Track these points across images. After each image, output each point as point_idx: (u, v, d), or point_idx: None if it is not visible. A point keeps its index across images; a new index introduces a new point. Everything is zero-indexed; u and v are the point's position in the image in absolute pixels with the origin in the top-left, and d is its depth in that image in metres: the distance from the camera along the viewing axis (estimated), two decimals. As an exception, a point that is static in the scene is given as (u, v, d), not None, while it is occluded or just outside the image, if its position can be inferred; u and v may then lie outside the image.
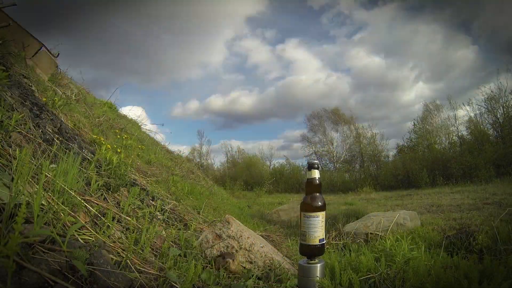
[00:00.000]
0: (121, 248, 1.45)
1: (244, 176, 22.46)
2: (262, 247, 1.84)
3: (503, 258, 1.78)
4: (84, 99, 5.41)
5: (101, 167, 2.46)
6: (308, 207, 1.39)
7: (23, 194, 1.24)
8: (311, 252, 1.38)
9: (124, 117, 8.10)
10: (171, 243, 1.86)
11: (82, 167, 2.07)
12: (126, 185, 2.47)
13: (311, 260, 1.38)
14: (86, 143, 2.97)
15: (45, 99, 3.13)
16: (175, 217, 2.65)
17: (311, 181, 1.41)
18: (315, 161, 1.43)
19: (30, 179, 1.45)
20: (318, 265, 1.36)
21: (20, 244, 0.99)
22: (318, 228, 1.38)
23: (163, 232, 2.13)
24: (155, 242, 1.86)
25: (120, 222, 1.83)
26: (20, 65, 3.69)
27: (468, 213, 5.10)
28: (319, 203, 1.40)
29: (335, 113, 26.24)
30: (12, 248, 0.83)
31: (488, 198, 6.96)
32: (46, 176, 1.57)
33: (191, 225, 2.65)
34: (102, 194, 2.02)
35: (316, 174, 1.41)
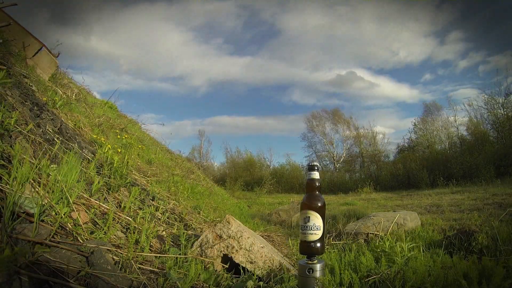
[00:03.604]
0: (121, 248, 1.45)
1: (244, 176, 22.45)
2: (262, 247, 1.84)
3: (503, 259, 1.78)
4: (85, 99, 5.42)
5: (101, 167, 2.46)
6: (307, 206, 1.41)
7: (24, 195, 1.24)
8: (310, 250, 1.39)
9: (124, 117, 8.10)
10: (171, 243, 1.86)
11: (83, 167, 2.07)
12: (127, 185, 2.48)
13: (311, 260, 1.38)
14: (86, 143, 2.98)
15: (45, 99, 3.14)
16: (176, 217, 2.65)
17: (310, 182, 1.45)
18: (315, 162, 1.47)
19: (31, 179, 1.45)
20: (318, 265, 1.36)
21: (20, 245, 0.99)
22: (316, 226, 1.39)
23: (163, 232, 2.13)
24: (155, 242, 1.86)
25: (120, 222, 1.83)
26: (21, 65, 3.69)
27: (468, 213, 5.09)
28: (318, 203, 1.41)
29: (335, 114, 26.32)
30: (11, 249, 0.83)
31: (488, 198, 6.95)
32: (46, 176, 1.57)
33: (191, 225, 2.66)
34: (102, 194, 2.02)
35: (315, 175, 1.44)
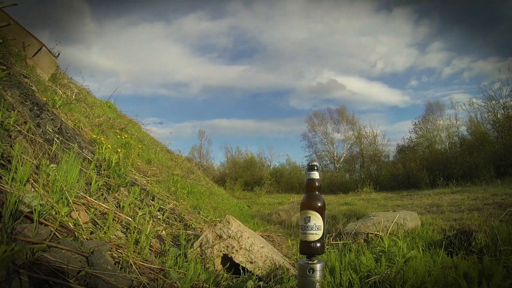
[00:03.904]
0: (121, 248, 1.45)
1: (244, 176, 22.45)
2: (262, 247, 1.84)
3: (503, 259, 1.78)
4: (84, 99, 5.41)
5: (101, 166, 2.46)
6: (307, 206, 1.41)
7: (23, 194, 1.24)
8: (311, 250, 1.38)
9: (124, 116, 8.10)
10: (171, 243, 1.86)
11: (82, 167, 2.07)
12: (126, 185, 2.48)
13: (311, 260, 1.38)
14: (86, 143, 2.98)
15: (45, 99, 3.14)
16: (175, 217, 2.65)
17: (310, 182, 1.44)
18: (315, 162, 1.47)
19: (30, 179, 1.45)
20: (318, 265, 1.36)
21: (20, 244, 0.99)
22: (317, 226, 1.39)
23: (163, 232, 2.13)
24: (155, 242, 1.86)
25: (120, 222, 1.83)
26: (21, 65, 3.69)
27: (468, 213, 5.09)
28: (318, 203, 1.41)
29: (340, 113, 26.32)
30: (11, 249, 0.83)
31: (488, 198, 6.95)
32: (46, 176, 1.57)
33: (191, 225, 2.66)
34: (102, 194, 2.02)
35: (315, 175, 1.44)
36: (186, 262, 1.59)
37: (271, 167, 26.14)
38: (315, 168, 1.46)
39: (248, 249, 1.79)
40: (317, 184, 1.45)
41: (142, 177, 3.46)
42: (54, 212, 1.36)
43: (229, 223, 1.88)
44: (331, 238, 3.52)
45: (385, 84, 39.71)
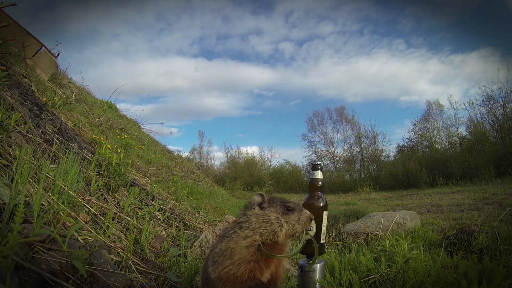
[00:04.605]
0: (121, 248, 1.45)
1: (244, 176, 22.46)
2: (262, 247, 1.84)
3: (503, 258, 1.78)
4: (84, 99, 5.41)
5: (101, 167, 2.46)
6: (308, 206, 1.40)
7: (23, 194, 1.24)
8: (311, 250, 1.38)
9: (124, 117, 8.10)
10: (171, 243, 1.86)
11: (82, 167, 2.07)
12: (126, 185, 2.47)
13: (311, 260, 1.38)
14: (86, 143, 2.97)
15: (45, 99, 3.13)
16: (175, 217, 2.65)
17: (313, 181, 1.43)
18: (319, 162, 1.45)
19: (30, 179, 1.45)
20: (318, 265, 1.36)
21: (20, 244, 0.99)
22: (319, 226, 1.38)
23: (163, 232, 2.13)
24: (155, 242, 1.86)
25: (120, 222, 1.83)
26: (20, 65, 3.69)
27: (468, 213, 5.10)
28: (320, 204, 1.40)
29: (339, 113, 26.27)
30: (11, 248, 0.83)
31: (488, 198, 6.95)
32: (46, 176, 1.57)
33: (191, 225, 2.66)
34: (102, 194, 2.02)
35: (319, 175, 1.43)
36: (186, 262, 1.59)
37: (271, 167, 26.16)
38: (319, 167, 1.44)
39: (248, 249, 1.79)
40: (320, 184, 1.43)
41: (142, 177, 3.46)
42: (54, 212, 1.36)
43: (228, 223, 1.88)
44: (331, 238, 3.52)
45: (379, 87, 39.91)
